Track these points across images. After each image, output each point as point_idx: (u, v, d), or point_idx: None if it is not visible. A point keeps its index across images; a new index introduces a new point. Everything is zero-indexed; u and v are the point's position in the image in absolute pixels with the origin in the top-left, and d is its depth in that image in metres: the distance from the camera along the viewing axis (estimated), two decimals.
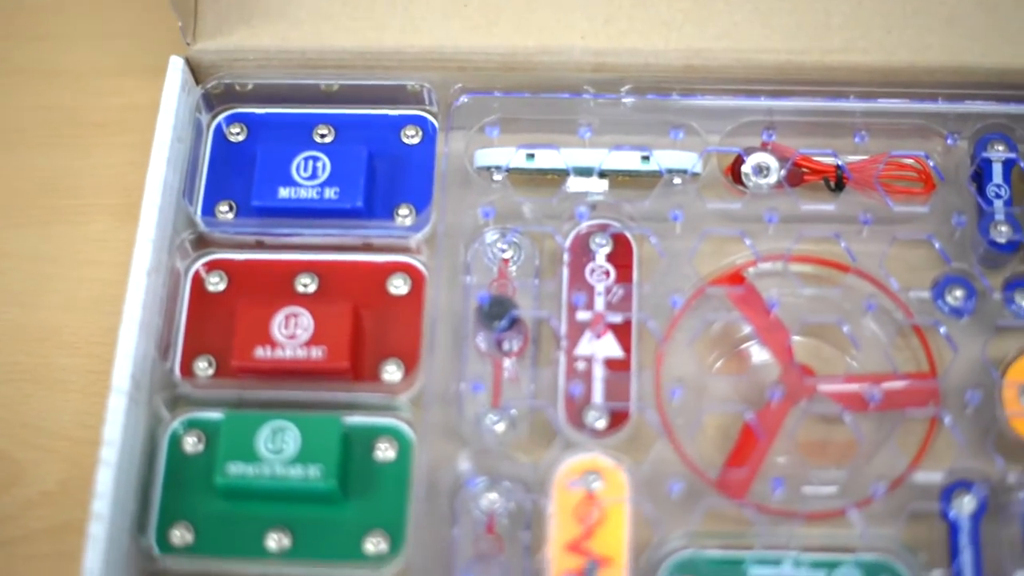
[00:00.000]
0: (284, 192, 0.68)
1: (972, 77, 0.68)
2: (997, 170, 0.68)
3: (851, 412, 0.63)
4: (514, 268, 0.68)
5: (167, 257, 0.67)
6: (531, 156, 0.68)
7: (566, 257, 0.67)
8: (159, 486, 0.64)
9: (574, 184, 0.68)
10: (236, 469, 0.62)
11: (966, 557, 0.61)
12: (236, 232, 0.68)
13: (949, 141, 0.68)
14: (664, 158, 0.68)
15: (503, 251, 0.68)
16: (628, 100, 0.69)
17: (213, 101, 0.71)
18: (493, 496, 0.63)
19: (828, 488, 0.63)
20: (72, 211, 0.73)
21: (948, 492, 0.62)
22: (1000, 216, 0.66)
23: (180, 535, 0.63)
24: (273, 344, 0.65)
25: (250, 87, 0.71)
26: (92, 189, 0.73)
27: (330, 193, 0.67)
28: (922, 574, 0.61)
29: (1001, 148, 0.68)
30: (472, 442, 0.64)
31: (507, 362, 0.66)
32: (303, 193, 0.67)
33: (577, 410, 0.65)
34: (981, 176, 0.68)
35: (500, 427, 0.64)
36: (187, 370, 0.66)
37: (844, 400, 0.64)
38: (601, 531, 0.62)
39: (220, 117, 0.71)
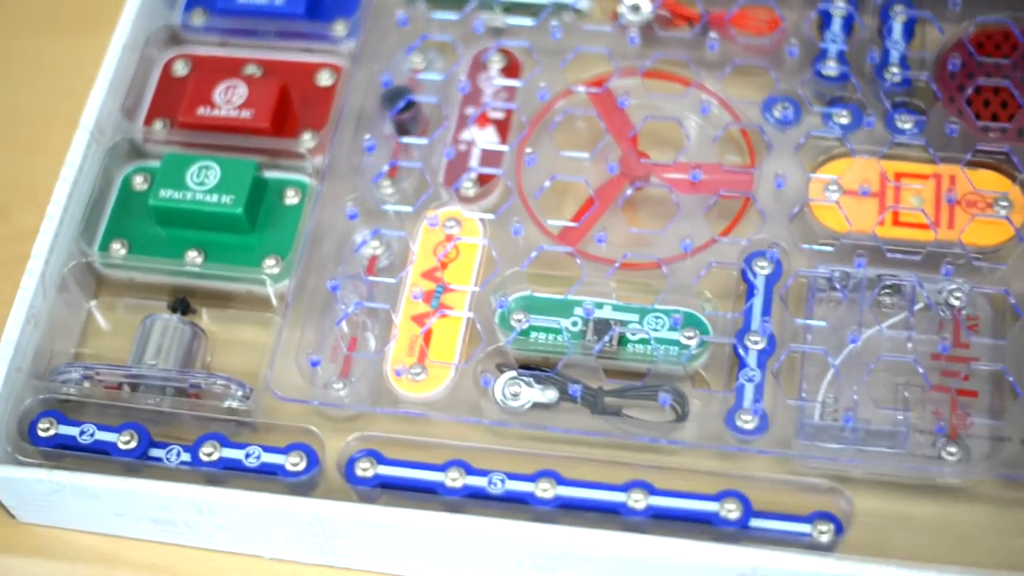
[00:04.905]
0: None
1: None
2: (837, 22, 0.78)
3: (677, 191, 0.74)
4: (430, 75, 0.80)
5: (143, 44, 0.82)
6: None
7: (461, 62, 0.80)
8: (108, 211, 0.78)
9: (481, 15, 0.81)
10: (165, 193, 0.76)
11: (756, 305, 0.71)
12: (205, 31, 0.83)
13: None
14: None
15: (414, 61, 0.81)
16: None
17: None
18: (374, 242, 0.75)
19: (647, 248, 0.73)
20: None
21: (749, 259, 0.72)
22: (832, 53, 0.77)
23: (117, 248, 0.76)
24: (213, 105, 0.78)
25: None
26: None
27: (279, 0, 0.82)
28: (717, 318, 0.71)
29: (841, 3, 0.78)
30: (364, 194, 0.76)
31: (404, 140, 0.78)
32: None
33: (454, 177, 0.76)
34: (822, 24, 0.79)
35: (389, 188, 0.76)
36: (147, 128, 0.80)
37: (672, 181, 0.74)
38: (453, 265, 0.73)
39: None
